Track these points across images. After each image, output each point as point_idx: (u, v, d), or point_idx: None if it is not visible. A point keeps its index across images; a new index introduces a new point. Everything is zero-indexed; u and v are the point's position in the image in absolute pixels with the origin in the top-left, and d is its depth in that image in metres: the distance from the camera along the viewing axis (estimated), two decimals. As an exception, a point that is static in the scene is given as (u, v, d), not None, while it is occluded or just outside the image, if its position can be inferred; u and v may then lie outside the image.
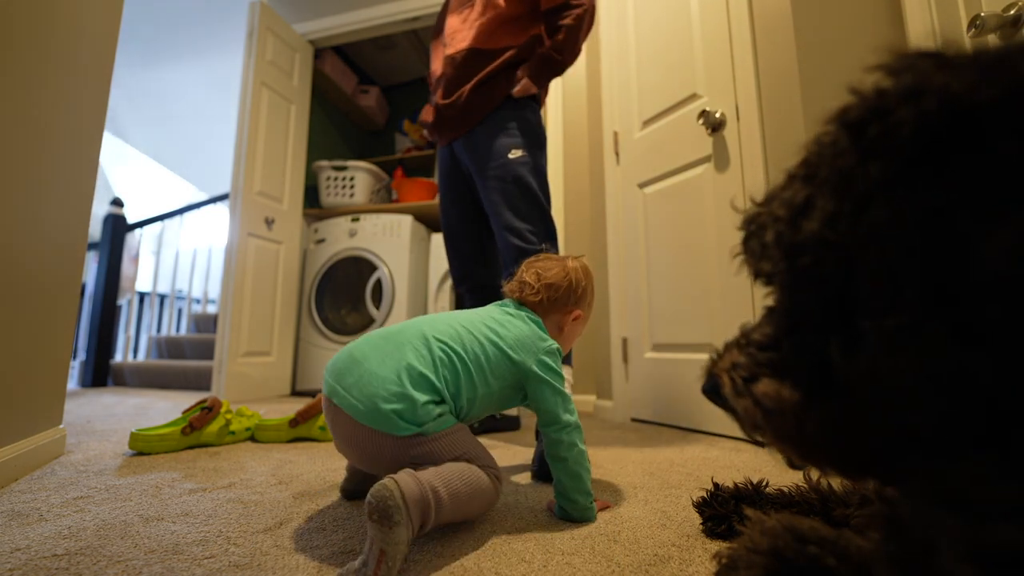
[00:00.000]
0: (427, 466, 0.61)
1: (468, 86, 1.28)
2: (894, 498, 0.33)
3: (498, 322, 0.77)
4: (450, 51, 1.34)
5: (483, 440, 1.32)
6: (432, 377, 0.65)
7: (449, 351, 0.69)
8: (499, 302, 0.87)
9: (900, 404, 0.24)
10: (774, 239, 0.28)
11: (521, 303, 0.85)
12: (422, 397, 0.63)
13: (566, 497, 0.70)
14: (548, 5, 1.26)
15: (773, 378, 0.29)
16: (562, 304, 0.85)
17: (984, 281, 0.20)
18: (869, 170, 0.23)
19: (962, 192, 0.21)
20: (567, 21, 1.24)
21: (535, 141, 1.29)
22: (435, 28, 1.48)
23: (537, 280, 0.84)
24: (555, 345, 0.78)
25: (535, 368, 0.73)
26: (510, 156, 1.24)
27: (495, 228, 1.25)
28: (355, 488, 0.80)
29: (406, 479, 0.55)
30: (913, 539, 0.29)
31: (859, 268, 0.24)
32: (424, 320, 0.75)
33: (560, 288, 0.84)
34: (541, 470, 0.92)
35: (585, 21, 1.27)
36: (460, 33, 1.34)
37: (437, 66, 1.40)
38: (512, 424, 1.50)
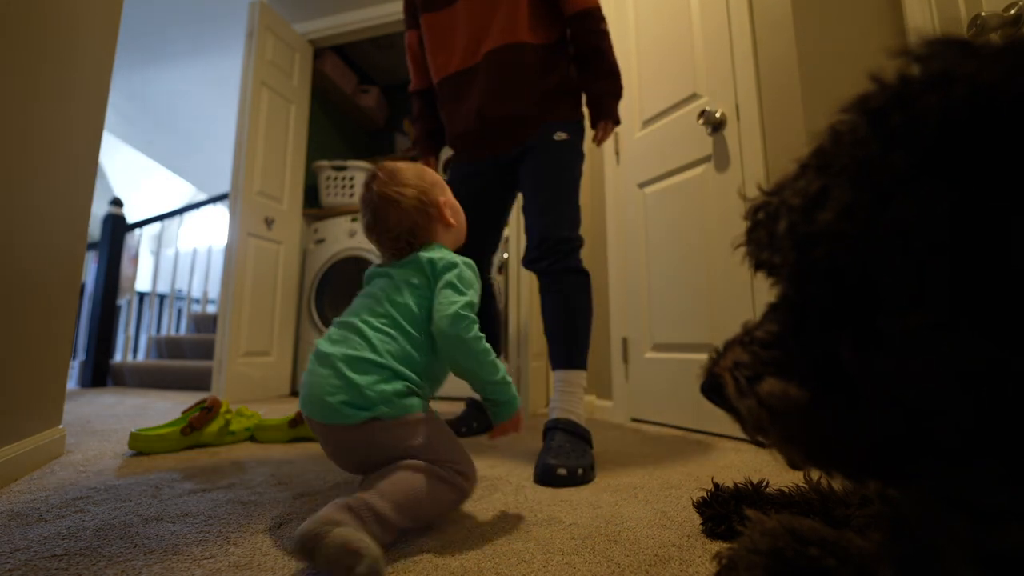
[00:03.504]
0: (397, 460, 0.62)
1: (535, 91, 1.21)
2: (896, 499, 0.33)
3: (409, 272, 0.75)
4: (486, 47, 1.21)
5: (482, 441, 1.31)
6: (371, 355, 0.65)
7: (379, 322, 0.68)
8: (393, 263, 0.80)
9: (920, 405, 0.23)
10: (786, 229, 0.26)
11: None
12: (364, 379, 0.63)
13: (490, 392, 0.70)
14: (573, 10, 1.21)
15: (779, 377, 0.28)
16: (425, 218, 0.79)
17: (1018, 277, 0.20)
18: (891, 160, 0.22)
19: (994, 185, 0.20)
20: (604, 46, 1.22)
21: (580, 133, 1.28)
22: (432, 24, 1.32)
23: (395, 234, 0.78)
24: (456, 259, 0.74)
25: (443, 274, 0.72)
26: (555, 138, 1.21)
27: (528, 206, 1.21)
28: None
29: (343, 520, 0.52)
30: (918, 540, 0.29)
31: (879, 262, 0.22)
32: (354, 311, 0.73)
33: (410, 217, 0.77)
34: (543, 474, 0.91)
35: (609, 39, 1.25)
36: (484, 19, 1.22)
37: (457, 61, 1.26)
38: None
